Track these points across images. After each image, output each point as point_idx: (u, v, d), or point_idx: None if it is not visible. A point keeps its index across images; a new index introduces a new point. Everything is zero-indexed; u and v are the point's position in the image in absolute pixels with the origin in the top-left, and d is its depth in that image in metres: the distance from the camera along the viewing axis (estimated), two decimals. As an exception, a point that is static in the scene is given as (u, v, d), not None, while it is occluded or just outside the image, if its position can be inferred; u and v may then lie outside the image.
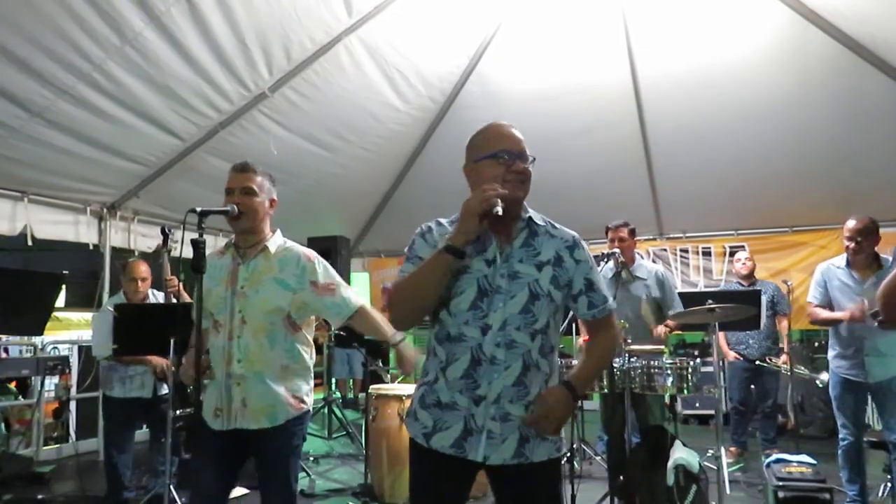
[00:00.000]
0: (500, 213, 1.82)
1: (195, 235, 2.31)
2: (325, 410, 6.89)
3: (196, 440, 3.57)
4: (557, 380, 2.06)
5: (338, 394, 8.72)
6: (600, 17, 5.64)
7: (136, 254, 6.02)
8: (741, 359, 5.85)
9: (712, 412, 4.24)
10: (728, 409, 6.09)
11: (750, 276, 6.06)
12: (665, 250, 8.08)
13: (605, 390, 3.77)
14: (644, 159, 7.02)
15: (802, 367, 5.80)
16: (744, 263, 6.03)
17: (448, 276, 1.92)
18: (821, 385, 5.66)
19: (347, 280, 8.39)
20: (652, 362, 3.80)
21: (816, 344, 7.01)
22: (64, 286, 4.95)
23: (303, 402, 2.70)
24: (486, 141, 2.02)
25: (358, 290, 9.18)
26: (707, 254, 7.98)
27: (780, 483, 3.67)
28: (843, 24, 5.18)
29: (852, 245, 3.99)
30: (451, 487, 2.01)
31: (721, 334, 5.84)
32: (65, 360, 4.01)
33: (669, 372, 3.70)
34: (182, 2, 4.27)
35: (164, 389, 4.33)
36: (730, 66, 5.77)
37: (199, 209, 2.33)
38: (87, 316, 8.21)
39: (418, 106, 6.47)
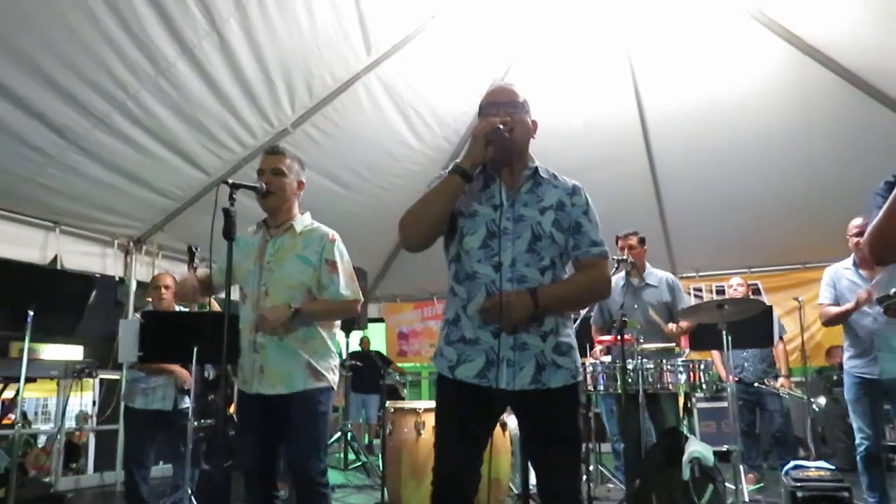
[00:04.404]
0: (501, 128, 2.05)
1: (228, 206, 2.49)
2: (342, 442, 6.91)
3: (216, 450, 3.67)
4: (571, 315, 2.19)
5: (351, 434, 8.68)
6: (606, 55, 5.93)
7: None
8: (738, 382, 5.83)
9: (731, 447, 4.24)
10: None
11: None
12: (679, 290, 8.13)
13: (619, 391, 3.81)
14: (654, 196, 7.18)
15: (799, 391, 5.79)
16: (735, 289, 6.09)
17: (456, 197, 2.11)
18: (818, 409, 5.65)
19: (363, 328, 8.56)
20: (664, 361, 3.85)
21: (835, 377, 6.97)
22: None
23: (322, 375, 2.83)
24: (490, 96, 2.25)
25: (374, 339, 9.33)
26: (721, 293, 8.02)
27: (798, 484, 3.65)
28: (840, 57, 5.38)
29: (859, 241, 4.10)
30: (476, 415, 2.11)
31: (717, 356, 5.85)
32: (92, 365, 4.11)
33: (682, 370, 3.76)
34: (213, 34, 4.57)
35: (185, 403, 4.41)
36: (732, 100, 5.99)
37: (231, 181, 2.52)
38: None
39: (433, 146, 6.71)
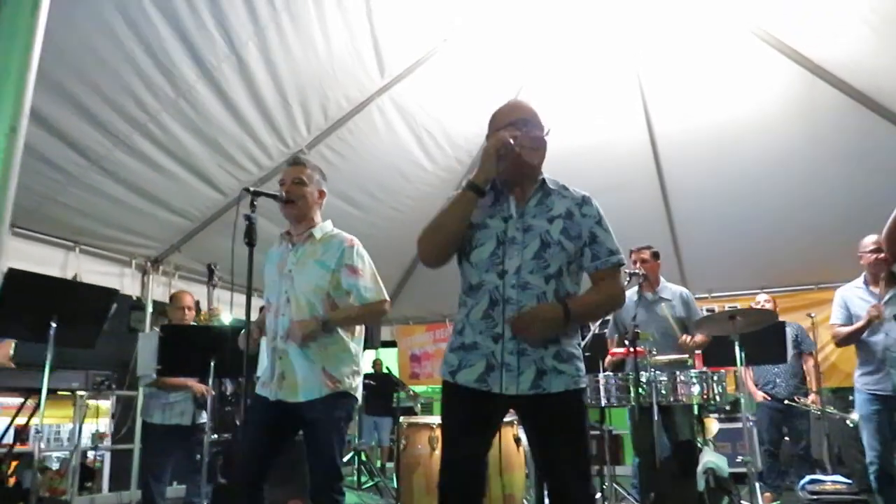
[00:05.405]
0: (512, 143, 2.11)
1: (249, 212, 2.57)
2: (355, 460, 6.91)
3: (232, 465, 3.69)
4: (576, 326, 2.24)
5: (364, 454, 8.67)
6: (617, 78, 6.02)
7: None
8: (770, 399, 5.81)
9: (745, 458, 4.22)
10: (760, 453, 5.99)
11: None
12: (692, 311, 8.13)
13: (633, 404, 3.83)
14: (665, 217, 7.21)
15: (832, 408, 5.75)
16: (763, 306, 6.08)
17: (470, 212, 2.17)
18: (851, 425, 5.59)
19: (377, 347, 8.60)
20: (677, 373, 3.87)
21: (850, 397, 6.93)
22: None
23: (339, 382, 2.85)
24: (503, 113, 2.32)
25: (387, 361, 9.35)
26: (733, 314, 8.00)
27: (815, 497, 3.63)
28: (849, 77, 5.41)
29: (878, 256, 4.12)
30: (477, 417, 2.17)
31: (748, 374, 5.84)
32: (111, 377, 4.17)
33: (695, 381, 3.77)
34: (232, 57, 4.68)
35: (203, 418, 4.45)
36: (742, 121, 6.04)
37: (251, 188, 2.60)
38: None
39: (445, 167, 6.79)
